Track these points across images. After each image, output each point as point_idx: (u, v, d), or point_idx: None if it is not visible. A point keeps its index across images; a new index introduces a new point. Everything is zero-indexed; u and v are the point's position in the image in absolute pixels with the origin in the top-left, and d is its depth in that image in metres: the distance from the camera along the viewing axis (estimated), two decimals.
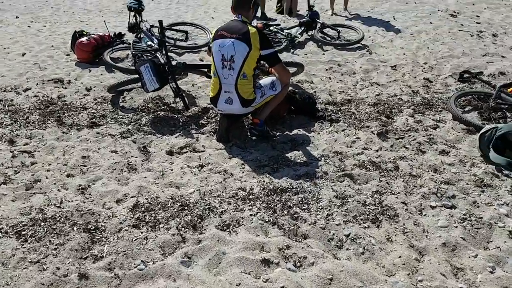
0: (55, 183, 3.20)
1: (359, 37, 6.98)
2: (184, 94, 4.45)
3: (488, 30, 8.02)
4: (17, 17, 9.33)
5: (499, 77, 5.66)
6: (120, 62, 6.03)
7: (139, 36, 6.53)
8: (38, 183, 3.20)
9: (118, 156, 3.64)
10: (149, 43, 6.29)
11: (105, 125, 4.20)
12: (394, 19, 8.70)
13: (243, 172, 3.38)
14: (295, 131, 4.09)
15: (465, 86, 5.28)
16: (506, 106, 4.40)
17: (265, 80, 3.91)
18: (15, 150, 3.68)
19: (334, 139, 3.93)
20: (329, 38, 7.22)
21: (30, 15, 9.55)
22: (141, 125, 4.20)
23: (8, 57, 6.43)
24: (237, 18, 3.70)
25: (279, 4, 9.48)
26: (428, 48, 6.93)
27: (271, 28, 7.01)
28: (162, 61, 4.37)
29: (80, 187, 3.13)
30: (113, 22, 8.63)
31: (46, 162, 3.52)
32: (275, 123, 4.23)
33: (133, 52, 5.89)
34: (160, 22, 4.52)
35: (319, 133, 4.08)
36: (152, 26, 6.79)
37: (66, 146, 3.77)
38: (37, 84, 5.24)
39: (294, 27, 7.36)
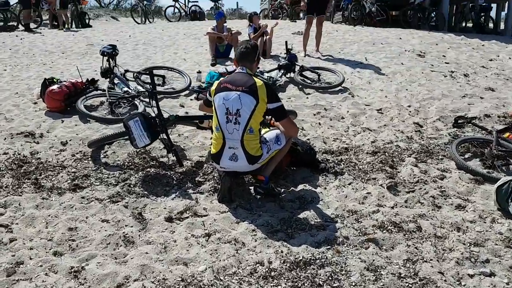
0: (41, 265, 2.71)
1: (340, 80, 6.90)
2: (176, 149, 4.08)
3: (458, 70, 8.22)
4: None
5: (485, 119, 5.69)
6: (94, 110, 5.58)
7: (113, 81, 6.15)
8: (21, 266, 2.70)
9: (110, 226, 3.20)
10: (125, 89, 5.92)
11: (89, 187, 3.74)
12: (366, 60, 8.78)
13: (255, 241, 3.03)
14: (300, 187, 3.81)
15: (456, 130, 5.24)
16: (506, 153, 4.34)
17: (269, 134, 3.64)
18: None
19: (344, 195, 3.68)
20: (309, 81, 7.12)
21: None
22: (131, 185, 3.77)
23: None
24: (241, 71, 3.45)
25: None
26: (407, 89, 6.96)
27: None
28: (153, 114, 4.00)
29: (72, 270, 2.66)
30: (79, 65, 8.15)
31: (27, 237, 3.02)
32: (277, 177, 3.93)
33: (110, 100, 5.50)
34: (151, 72, 4.19)
35: (325, 188, 3.82)
36: (126, 71, 6.43)
37: (49, 215, 3.28)
38: (5, 138, 4.68)
39: (273, 70, 7.22)
